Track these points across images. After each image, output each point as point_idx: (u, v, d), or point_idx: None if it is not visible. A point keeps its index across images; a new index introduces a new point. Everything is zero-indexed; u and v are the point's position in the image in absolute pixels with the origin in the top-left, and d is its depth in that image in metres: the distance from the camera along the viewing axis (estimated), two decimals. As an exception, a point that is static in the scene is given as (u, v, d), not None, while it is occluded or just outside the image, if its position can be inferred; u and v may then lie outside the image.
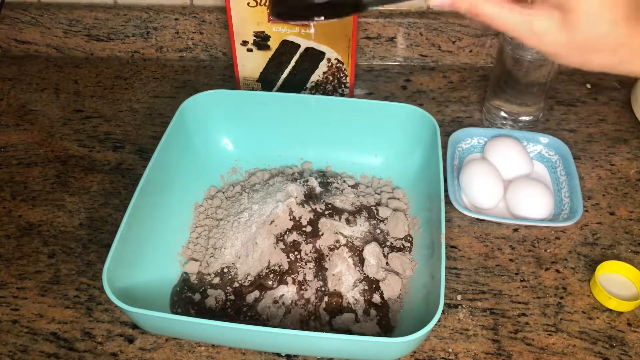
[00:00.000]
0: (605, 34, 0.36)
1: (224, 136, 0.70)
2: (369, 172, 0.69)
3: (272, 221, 0.58)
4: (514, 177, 0.66)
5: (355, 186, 0.67)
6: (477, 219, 0.64)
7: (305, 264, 0.56)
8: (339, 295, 0.55)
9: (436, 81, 0.83)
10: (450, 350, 0.54)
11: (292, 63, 0.75)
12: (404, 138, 0.67)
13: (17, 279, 0.60)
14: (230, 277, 0.57)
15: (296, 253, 0.57)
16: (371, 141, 0.68)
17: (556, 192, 0.66)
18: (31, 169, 0.71)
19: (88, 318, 0.57)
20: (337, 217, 0.60)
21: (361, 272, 0.57)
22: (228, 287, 0.57)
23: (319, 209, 0.60)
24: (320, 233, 0.58)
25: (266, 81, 0.77)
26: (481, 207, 0.64)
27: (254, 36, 0.72)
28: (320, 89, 0.78)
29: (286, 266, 0.56)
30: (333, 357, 0.53)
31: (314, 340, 0.48)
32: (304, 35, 0.72)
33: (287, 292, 0.55)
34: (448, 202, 0.62)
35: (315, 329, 0.53)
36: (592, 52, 0.38)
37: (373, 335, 0.52)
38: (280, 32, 0.71)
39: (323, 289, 0.55)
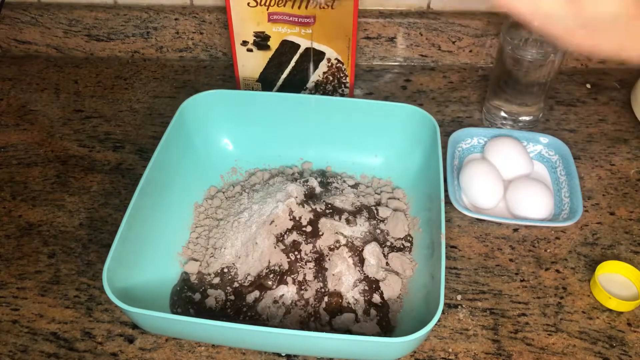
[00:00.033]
0: (612, 13, 0.36)
1: (224, 136, 0.70)
2: (369, 172, 0.69)
3: (272, 221, 0.58)
4: (514, 177, 0.66)
5: (355, 186, 0.67)
6: (477, 219, 0.64)
7: (305, 264, 0.56)
8: (339, 295, 0.55)
9: (436, 81, 0.83)
10: (450, 350, 0.54)
11: (292, 63, 0.75)
12: (404, 138, 0.67)
13: (17, 279, 0.60)
14: (230, 277, 0.57)
15: (296, 253, 0.57)
16: (371, 141, 0.68)
17: (556, 192, 0.66)
18: (31, 169, 0.71)
19: (88, 318, 0.57)
20: (337, 217, 0.60)
21: (361, 272, 0.57)
22: (228, 287, 0.57)
23: (319, 209, 0.60)
24: (320, 233, 0.58)
25: (266, 81, 0.77)
26: (481, 207, 0.64)
27: (254, 36, 0.72)
28: (320, 89, 0.78)
29: (286, 266, 0.56)
30: (333, 357, 0.53)
31: (314, 340, 0.48)
32: (304, 35, 0.72)
33: (287, 292, 0.55)
34: (448, 202, 0.62)
35: (315, 329, 0.53)
36: (599, 33, 0.37)
37: (373, 335, 0.52)
38: (280, 32, 0.71)
39: (323, 289, 0.55)
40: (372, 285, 0.56)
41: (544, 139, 0.70)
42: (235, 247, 0.59)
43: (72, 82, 0.84)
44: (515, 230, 0.64)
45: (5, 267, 0.61)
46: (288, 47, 0.73)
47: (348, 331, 0.53)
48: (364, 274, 0.57)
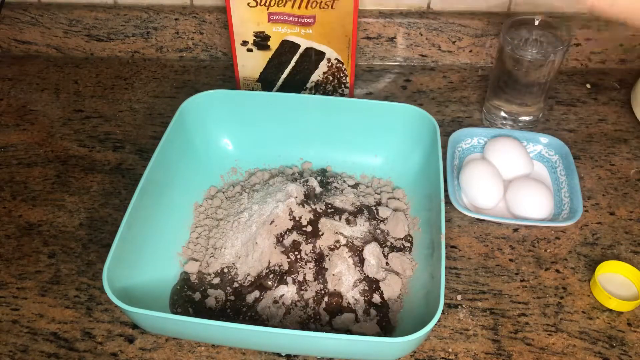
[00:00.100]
0: None
1: (224, 136, 0.70)
2: (369, 172, 0.69)
3: (272, 221, 0.58)
4: (514, 177, 0.66)
5: (355, 186, 0.67)
6: (477, 219, 0.64)
7: (305, 264, 0.56)
8: (339, 295, 0.55)
9: (436, 81, 0.83)
10: (450, 350, 0.54)
11: (292, 63, 0.75)
12: (404, 138, 0.67)
13: (17, 279, 0.60)
14: (230, 277, 0.57)
15: (296, 253, 0.57)
16: (371, 141, 0.68)
17: (556, 192, 0.66)
18: (31, 169, 0.71)
19: (88, 318, 0.57)
20: (337, 217, 0.60)
21: (361, 272, 0.57)
22: (228, 287, 0.57)
23: (319, 209, 0.60)
24: (320, 233, 0.58)
25: (266, 81, 0.77)
26: (481, 207, 0.64)
27: (254, 36, 0.72)
28: (320, 89, 0.78)
29: (286, 266, 0.56)
30: (333, 357, 0.53)
31: (314, 340, 0.48)
32: (304, 35, 0.72)
33: (287, 292, 0.55)
34: (448, 202, 0.62)
35: (315, 329, 0.53)
36: None
37: (373, 335, 0.52)
38: (280, 32, 0.71)
39: (323, 289, 0.55)
40: (372, 285, 0.56)
41: (544, 139, 0.70)
42: (235, 247, 0.59)
43: (72, 82, 0.84)
44: (515, 230, 0.64)
45: (5, 267, 0.61)
46: (288, 47, 0.73)
47: (348, 331, 0.53)
48: (364, 274, 0.57)
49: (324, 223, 0.59)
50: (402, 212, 0.63)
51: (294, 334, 0.47)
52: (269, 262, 0.56)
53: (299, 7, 0.69)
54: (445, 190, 0.63)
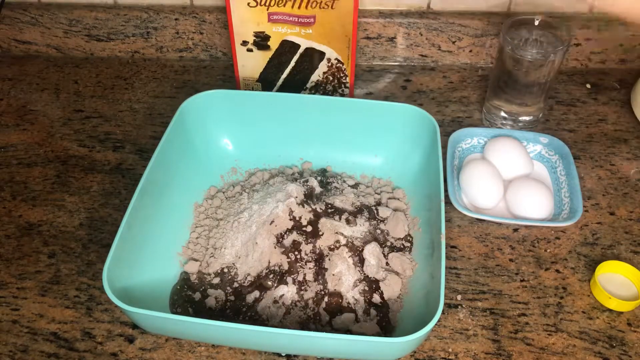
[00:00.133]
0: None
1: (224, 136, 0.70)
2: (369, 172, 0.69)
3: (272, 221, 0.58)
4: (514, 177, 0.66)
5: (355, 186, 0.67)
6: (477, 219, 0.64)
7: (305, 264, 0.56)
8: (339, 295, 0.55)
9: (436, 81, 0.83)
10: (450, 350, 0.54)
11: (292, 63, 0.75)
12: (404, 138, 0.67)
13: (17, 279, 0.60)
14: (230, 277, 0.57)
15: (296, 253, 0.57)
16: (371, 141, 0.68)
17: (556, 192, 0.66)
18: (31, 169, 0.71)
19: (88, 318, 0.57)
20: (337, 217, 0.60)
21: (361, 272, 0.57)
22: (228, 287, 0.57)
23: (319, 209, 0.60)
24: (320, 233, 0.58)
25: (266, 81, 0.77)
26: (481, 207, 0.64)
27: (254, 36, 0.72)
28: (320, 89, 0.78)
29: (286, 266, 0.56)
30: (333, 357, 0.53)
31: (314, 340, 0.48)
32: (304, 35, 0.72)
33: (287, 292, 0.55)
34: (448, 202, 0.62)
35: (315, 329, 0.53)
36: None
37: (373, 335, 0.52)
38: (280, 32, 0.71)
39: (323, 289, 0.55)
40: (372, 285, 0.56)
41: (544, 139, 0.70)
42: (235, 247, 0.59)
43: (72, 82, 0.84)
44: (515, 230, 0.64)
45: (5, 267, 0.61)
46: (288, 47, 0.73)
47: (348, 331, 0.53)
48: (364, 274, 0.57)
49: (324, 223, 0.59)
50: (402, 212, 0.63)
51: (294, 334, 0.47)
52: (269, 262, 0.56)
53: (299, 7, 0.69)
54: (445, 190, 0.63)
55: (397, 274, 0.57)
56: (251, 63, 0.75)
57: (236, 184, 0.68)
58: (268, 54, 0.74)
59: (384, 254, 0.59)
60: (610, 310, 0.57)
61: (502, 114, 0.73)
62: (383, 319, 0.54)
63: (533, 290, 0.58)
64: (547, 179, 0.68)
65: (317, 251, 0.57)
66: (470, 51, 0.84)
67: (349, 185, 0.66)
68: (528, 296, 0.58)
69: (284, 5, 0.69)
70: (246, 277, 0.57)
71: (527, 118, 0.73)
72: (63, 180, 0.70)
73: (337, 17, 0.69)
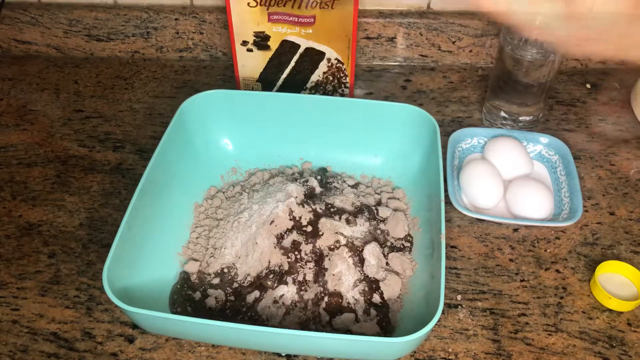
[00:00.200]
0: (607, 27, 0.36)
1: (224, 136, 0.70)
2: (369, 172, 0.69)
3: (272, 221, 0.58)
4: (514, 177, 0.66)
5: (355, 186, 0.67)
6: (477, 219, 0.64)
7: (305, 264, 0.56)
8: (339, 295, 0.55)
9: (436, 81, 0.83)
10: (450, 350, 0.54)
11: (292, 63, 0.75)
12: (404, 138, 0.67)
13: (17, 279, 0.60)
14: (230, 277, 0.57)
15: (296, 253, 0.57)
16: (371, 141, 0.68)
17: (556, 192, 0.66)
18: (31, 169, 0.71)
19: (88, 318, 0.57)
20: (337, 217, 0.60)
21: (361, 272, 0.57)
22: (228, 287, 0.57)
23: (319, 209, 0.60)
24: (320, 233, 0.58)
25: (266, 81, 0.77)
26: (481, 207, 0.64)
27: (254, 36, 0.72)
28: (320, 89, 0.78)
29: (286, 266, 0.56)
30: (333, 357, 0.53)
31: (314, 340, 0.48)
32: (304, 35, 0.72)
33: (287, 292, 0.55)
34: (448, 202, 0.62)
35: (316, 329, 0.53)
36: (593, 43, 0.38)
37: (373, 335, 0.52)
38: (280, 32, 0.71)
39: (323, 289, 0.55)
40: (372, 285, 0.56)
41: (544, 139, 0.70)
42: (235, 247, 0.59)
43: (72, 82, 0.84)
44: (515, 230, 0.64)
45: (5, 267, 0.61)
46: (288, 47, 0.73)
47: (348, 331, 0.53)
48: (364, 274, 0.57)
49: (324, 223, 0.59)
50: (402, 212, 0.63)
51: (294, 334, 0.47)
52: (269, 262, 0.56)
53: (299, 7, 0.69)
54: (445, 190, 0.63)
55: (397, 274, 0.57)
56: (251, 63, 0.75)
57: (236, 184, 0.68)
58: (268, 54, 0.74)
59: (384, 254, 0.59)
60: (610, 310, 0.57)
61: (502, 114, 0.73)
62: (383, 319, 0.54)
63: (533, 290, 0.58)
64: (547, 179, 0.68)
65: (317, 251, 0.57)
66: (470, 51, 0.84)
67: (349, 185, 0.66)
68: (528, 296, 0.58)
69: (284, 5, 0.69)
70: (246, 277, 0.57)
71: (527, 118, 0.73)
72: (63, 180, 0.70)
73: (337, 17, 0.69)
